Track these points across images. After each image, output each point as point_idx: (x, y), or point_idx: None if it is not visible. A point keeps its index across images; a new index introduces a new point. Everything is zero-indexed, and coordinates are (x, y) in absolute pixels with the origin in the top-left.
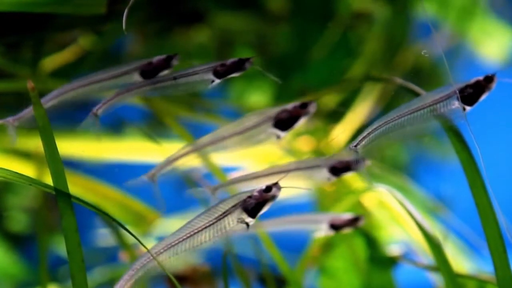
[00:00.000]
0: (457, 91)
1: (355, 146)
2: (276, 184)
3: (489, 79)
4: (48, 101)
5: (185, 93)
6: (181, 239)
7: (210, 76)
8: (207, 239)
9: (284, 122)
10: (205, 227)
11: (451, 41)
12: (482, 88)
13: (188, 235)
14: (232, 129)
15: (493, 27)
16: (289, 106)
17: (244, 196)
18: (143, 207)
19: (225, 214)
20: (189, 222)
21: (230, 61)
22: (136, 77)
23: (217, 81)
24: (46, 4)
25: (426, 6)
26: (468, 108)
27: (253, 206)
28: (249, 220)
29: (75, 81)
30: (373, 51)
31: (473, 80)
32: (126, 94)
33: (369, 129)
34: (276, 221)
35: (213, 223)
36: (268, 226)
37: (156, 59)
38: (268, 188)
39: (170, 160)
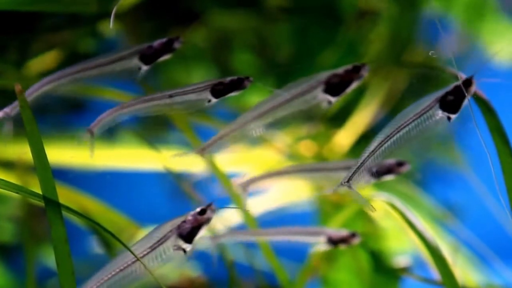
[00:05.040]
0: (438, 101)
1: (347, 181)
2: (210, 205)
3: (467, 83)
4: (49, 83)
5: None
6: (113, 273)
7: (207, 95)
8: (142, 271)
9: (335, 87)
10: (140, 258)
11: (461, 42)
12: (463, 92)
13: (122, 267)
14: (282, 97)
15: (505, 27)
16: (340, 70)
17: (178, 222)
18: (124, 220)
19: (159, 242)
20: (123, 253)
21: (228, 79)
22: (136, 62)
23: (214, 100)
24: (36, 2)
25: (435, 5)
26: (453, 116)
27: (188, 231)
28: (185, 246)
29: (75, 65)
30: (379, 51)
31: (451, 86)
32: (120, 112)
33: (359, 162)
34: (274, 231)
35: (147, 253)
36: (266, 236)
37: (157, 42)
38: (203, 211)
39: (223, 134)
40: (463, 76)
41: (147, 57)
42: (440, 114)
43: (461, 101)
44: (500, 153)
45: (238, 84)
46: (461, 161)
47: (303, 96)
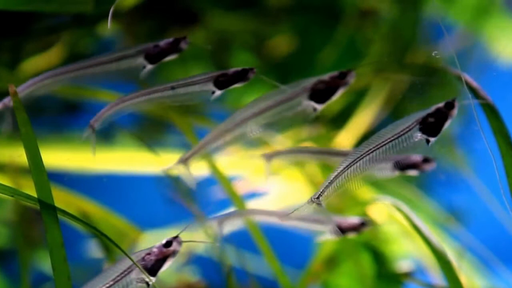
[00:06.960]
0: (418, 122)
1: (317, 198)
2: (176, 237)
3: (450, 105)
4: (50, 79)
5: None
6: (110, 279)
7: (211, 86)
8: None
9: (320, 94)
10: None
11: (465, 41)
12: (444, 115)
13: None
14: (265, 104)
15: (510, 26)
16: (326, 76)
17: (142, 254)
18: (126, 224)
19: (122, 275)
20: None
21: (232, 70)
22: (140, 61)
23: (218, 92)
24: (31, 1)
25: (438, 4)
26: (432, 139)
27: (152, 263)
28: (149, 279)
29: (78, 61)
30: (381, 52)
31: (433, 108)
32: (121, 105)
33: (330, 178)
34: (281, 214)
35: (110, 286)
36: (271, 219)
37: (163, 42)
38: (168, 243)
39: (204, 143)
40: (466, 76)
41: (153, 56)
42: (419, 136)
43: (441, 124)
44: (504, 156)
45: (242, 76)
46: (464, 164)
47: (287, 103)
